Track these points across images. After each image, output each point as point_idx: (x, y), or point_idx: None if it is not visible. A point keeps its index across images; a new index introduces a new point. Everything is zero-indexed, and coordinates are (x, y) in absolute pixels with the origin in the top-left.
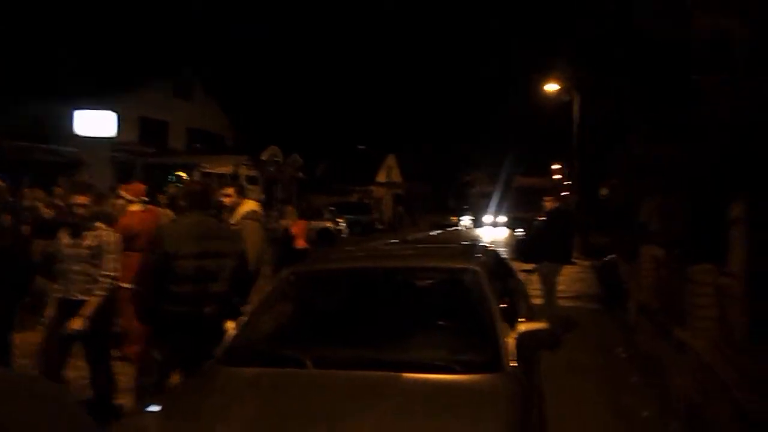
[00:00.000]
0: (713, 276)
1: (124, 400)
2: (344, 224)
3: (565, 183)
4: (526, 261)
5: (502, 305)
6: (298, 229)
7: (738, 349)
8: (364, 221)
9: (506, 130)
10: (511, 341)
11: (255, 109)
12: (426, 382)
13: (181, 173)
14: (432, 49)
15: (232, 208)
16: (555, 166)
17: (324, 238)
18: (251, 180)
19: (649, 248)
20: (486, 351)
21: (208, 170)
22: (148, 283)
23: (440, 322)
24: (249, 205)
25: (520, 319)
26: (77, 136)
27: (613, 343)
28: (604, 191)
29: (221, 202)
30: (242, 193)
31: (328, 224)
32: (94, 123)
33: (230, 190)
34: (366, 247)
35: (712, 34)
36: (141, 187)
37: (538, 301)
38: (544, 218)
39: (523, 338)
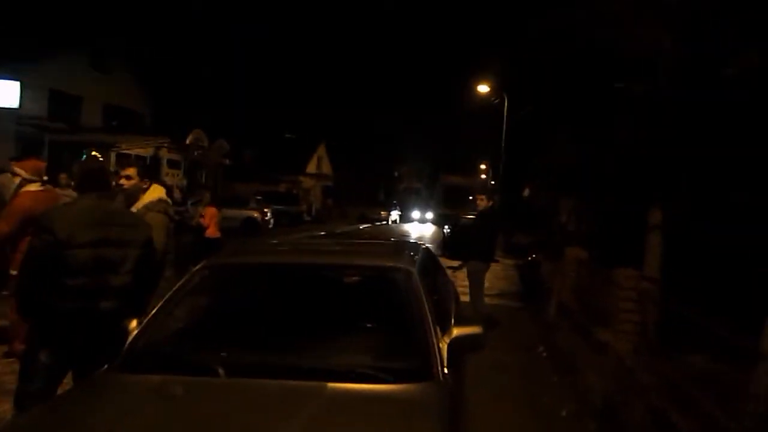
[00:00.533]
0: (636, 281)
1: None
2: (270, 214)
3: (491, 183)
4: (453, 258)
5: (434, 307)
6: (208, 217)
7: (655, 352)
8: (291, 212)
9: (437, 128)
10: (443, 346)
11: (179, 90)
12: (350, 392)
13: (95, 153)
14: (369, 39)
15: (132, 194)
16: (482, 166)
17: (249, 228)
18: (173, 164)
19: (572, 249)
20: (417, 358)
21: (125, 151)
22: (33, 273)
23: (369, 326)
24: (155, 192)
25: (453, 322)
26: None
27: (534, 342)
28: (526, 192)
29: (120, 185)
30: (147, 176)
31: (254, 214)
32: None
33: (131, 171)
34: (290, 240)
35: (640, 44)
36: (40, 164)
37: (464, 298)
38: (473, 216)
39: (456, 343)
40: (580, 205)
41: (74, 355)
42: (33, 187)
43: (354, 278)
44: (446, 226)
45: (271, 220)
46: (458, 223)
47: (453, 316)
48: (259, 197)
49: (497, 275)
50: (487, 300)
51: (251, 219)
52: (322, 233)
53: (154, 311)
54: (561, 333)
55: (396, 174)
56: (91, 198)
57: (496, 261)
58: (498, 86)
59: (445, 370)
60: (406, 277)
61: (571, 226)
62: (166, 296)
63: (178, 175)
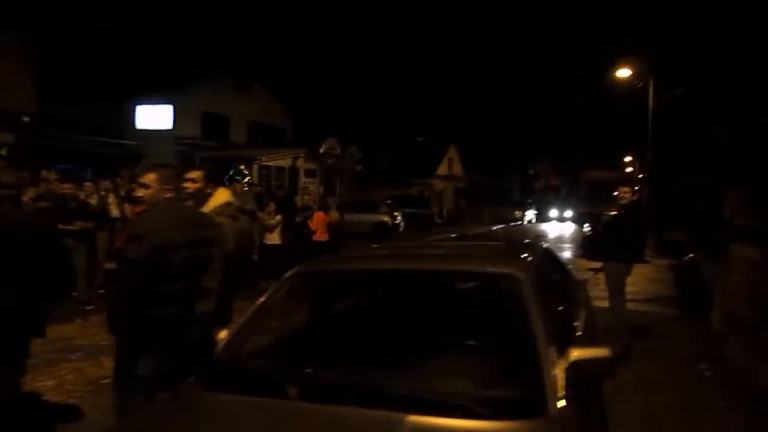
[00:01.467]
0: None
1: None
2: (401, 218)
3: (639, 176)
4: (593, 259)
5: (553, 321)
6: (317, 222)
7: None
8: (422, 215)
9: (575, 121)
10: (559, 372)
11: (314, 102)
12: (432, 430)
13: (241, 166)
14: (497, 36)
15: (196, 198)
16: (626, 159)
17: (379, 232)
18: (310, 173)
19: (739, 248)
20: (523, 387)
21: (266, 163)
22: (132, 285)
23: (469, 344)
24: (221, 196)
25: (577, 340)
26: (142, 130)
27: (694, 357)
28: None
29: (184, 188)
30: (212, 179)
31: (384, 218)
32: (153, 117)
33: (196, 174)
34: (393, 245)
35: None
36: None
37: (603, 304)
38: (614, 212)
39: (577, 368)
40: (751, 196)
41: (173, 363)
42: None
43: (454, 287)
44: (586, 225)
45: (402, 224)
46: (599, 220)
47: (583, 333)
48: (389, 201)
49: (648, 277)
50: (636, 306)
51: (381, 223)
52: (453, 235)
53: (241, 322)
54: (728, 348)
55: (532, 172)
56: (172, 201)
57: (645, 261)
58: (642, 68)
59: (562, 403)
60: (514, 286)
61: (739, 220)
62: (255, 306)
63: (314, 183)
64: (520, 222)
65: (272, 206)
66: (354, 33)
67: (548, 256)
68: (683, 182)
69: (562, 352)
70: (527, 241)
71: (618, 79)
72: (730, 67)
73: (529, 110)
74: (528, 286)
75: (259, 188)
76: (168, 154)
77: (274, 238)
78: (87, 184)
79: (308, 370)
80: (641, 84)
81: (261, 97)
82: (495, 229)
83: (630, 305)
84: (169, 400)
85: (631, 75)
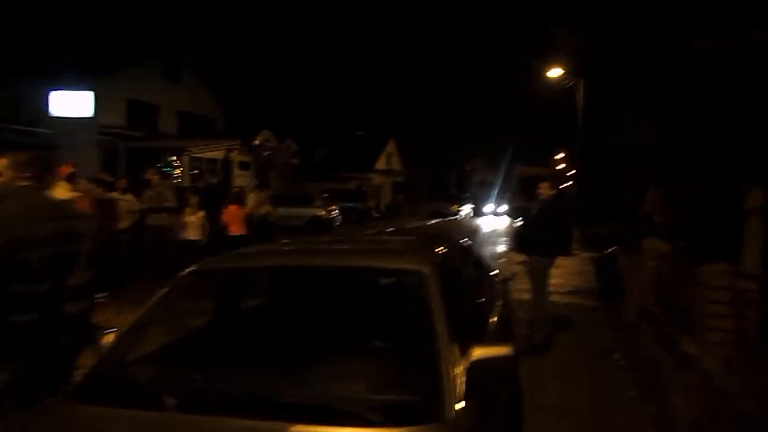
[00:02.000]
0: (728, 279)
1: None
2: (337, 212)
3: (569, 172)
4: (521, 253)
5: (459, 319)
6: (229, 216)
7: (755, 367)
8: (359, 209)
9: (509, 118)
10: (460, 373)
11: (248, 93)
12: None
13: (172, 157)
14: (433, 33)
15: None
16: (558, 156)
17: (314, 226)
18: (244, 166)
19: (652, 241)
20: (421, 390)
21: (197, 154)
22: None
23: (372, 344)
24: (59, 193)
25: (486, 337)
26: (59, 118)
27: (609, 348)
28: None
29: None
30: (47, 170)
31: (319, 212)
32: (72, 104)
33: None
34: (304, 240)
35: None
36: (65, 168)
37: (526, 296)
38: (540, 207)
39: (478, 367)
40: (668, 193)
41: (38, 374)
42: (61, 189)
43: (359, 284)
44: (518, 219)
45: (338, 218)
46: (528, 215)
47: (496, 329)
48: (325, 195)
49: (571, 270)
50: (559, 298)
51: (316, 217)
52: (390, 229)
53: (128, 326)
54: (641, 339)
55: (468, 167)
56: (29, 189)
57: (571, 254)
58: (571, 69)
59: (461, 405)
60: (419, 282)
61: (658, 216)
62: (145, 307)
63: (248, 177)
64: (456, 216)
65: (194, 200)
66: (291, 24)
67: (462, 251)
68: (609, 178)
69: (466, 351)
70: (441, 235)
71: (550, 78)
72: (655, 68)
73: (466, 107)
74: (433, 282)
75: (178, 181)
76: (88, 144)
77: (192, 234)
78: None
79: (192, 378)
80: (571, 83)
81: (192, 87)
82: (431, 224)
83: (553, 297)
84: (31, 416)
85: (562, 74)
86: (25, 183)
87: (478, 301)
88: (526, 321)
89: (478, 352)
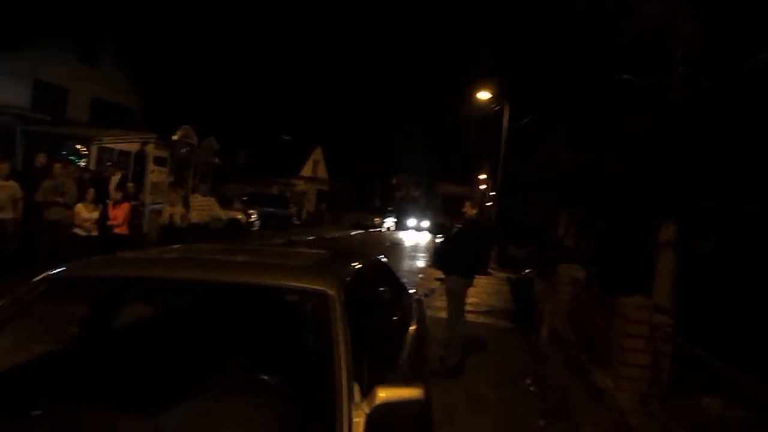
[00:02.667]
0: (647, 313)
1: None
2: (256, 216)
3: (490, 193)
4: (440, 270)
5: (364, 350)
6: (118, 213)
7: (667, 404)
8: (280, 215)
9: (437, 136)
10: (358, 420)
11: (171, 86)
12: None
13: (79, 146)
14: (367, 41)
15: None
16: (482, 176)
17: (232, 230)
18: (160, 161)
19: (568, 267)
20: None
21: (107, 145)
22: None
23: (259, 378)
24: None
25: (395, 370)
26: None
27: (521, 372)
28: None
29: None
30: None
31: (238, 215)
32: None
33: None
34: (193, 247)
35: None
36: None
37: (443, 314)
38: (458, 227)
39: (381, 413)
40: (580, 219)
41: None
42: None
43: (251, 304)
44: (439, 235)
45: (257, 222)
46: (449, 233)
47: (408, 358)
48: (245, 198)
49: (488, 290)
50: (474, 317)
51: (234, 220)
52: (310, 238)
53: None
54: (553, 365)
55: (394, 181)
56: None
57: (488, 274)
58: (499, 93)
59: None
60: (321, 306)
61: (569, 241)
62: None
63: (164, 173)
64: (379, 229)
65: (91, 193)
66: (223, 21)
67: (377, 269)
68: (526, 202)
69: (369, 389)
70: (355, 251)
71: (479, 100)
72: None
73: (396, 120)
74: (337, 306)
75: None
76: None
77: (84, 230)
78: None
79: (13, 410)
80: (497, 107)
81: (110, 73)
82: (353, 234)
83: (469, 317)
84: None
85: (490, 98)
86: None
87: (391, 325)
88: (441, 341)
89: (384, 394)
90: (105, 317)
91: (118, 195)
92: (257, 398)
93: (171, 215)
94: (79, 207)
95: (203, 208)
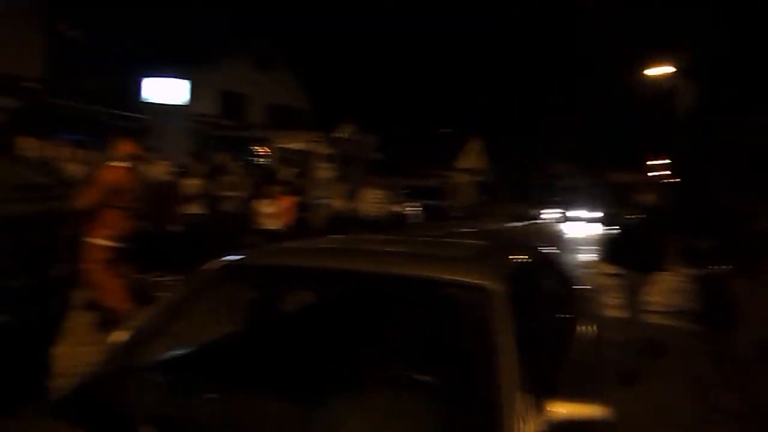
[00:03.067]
0: None
1: None
2: (416, 209)
3: (664, 180)
4: (612, 263)
5: (535, 354)
6: (283, 206)
7: None
8: (439, 207)
9: (602, 119)
10: None
11: (336, 86)
12: None
13: (257, 147)
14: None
15: None
16: (657, 162)
17: (392, 222)
18: (326, 157)
19: None
20: None
21: (281, 145)
22: None
23: (413, 378)
24: None
25: (569, 380)
26: (154, 104)
27: (711, 384)
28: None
29: None
30: None
31: (398, 207)
32: (168, 91)
33: None
34: (352, 238)
35: None
36: (130, 146)
37: (618, 313)
38: (635, 216)
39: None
40: None
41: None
42: (118, 164)
43: (407, 297)
44: (610, 227)
45: (418, 215)
46: (621, 223)
47: (582, 365)
48: (404, 191)
49: (670, 288)
50: (654, 318)
51: (395, 213)
52: (470, 230)
53: (135, 326)
54: (759, 379)
55: (556, 170)
56: None
57: (666, 270)
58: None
59: None
60: (482, 301)
61: None
62: (157, 304)
63: (330, 169)
64: (542, 220)
65: (266, 189)
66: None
67: (543, 261)
68: (712, 188)
69: (542, 401)
70: (518, 241)
71: (647, 78)
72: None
73: (556, 107)
74: (501, 302)
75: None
76: (181, 130)
77: (270, 223)
78: (67, 150)
79: (181, 401)
80: (671, 86)
81: (282, 78)
82: (515, 226)
83: (648, 317)
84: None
85: (664, 74)
86: None
87: (561, 325)
88: (616, 343)
89: (564, 410)
90: (268, 306)
91: (285, 189)
92: (410, 397)
93: (335, 208)
94: (258, 202)
95: (376, 201)
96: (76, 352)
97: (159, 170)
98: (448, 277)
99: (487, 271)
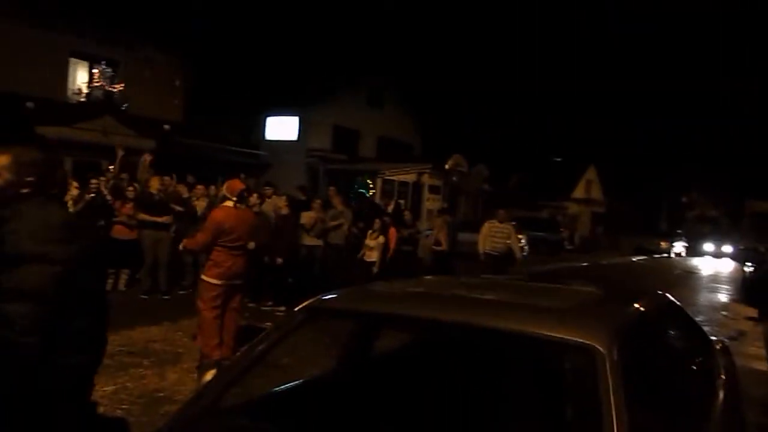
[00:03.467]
0: None
1: None
2: (525, 241)
3: None
4: (754, 305)
5: (658, 418)
6: (388, 238)
7: None
8: (550, 240)
9: (736, 144)
10: None
11: (444, 117)
12: None
13: (367, 180)
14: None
15: None
16: None
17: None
18: (434, 189)
19: None
20: None
21: (389, 177)
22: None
23: None
24: None
25: None
26: (271, 141)
27: None
28: None
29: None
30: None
31: (508, 240)
32: (282, 129)
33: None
34: (445, 280)
35: None
36: (238, 185)
37: (762, 366)
38: None
39: None
40: None
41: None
42: (228, 203)
43: (501, 353)
44: (749, 264)
45: (526, 248)
46: (765, 259)
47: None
48: (514, 223)
49: None
50: None
51: (505, 247)
52: (584, 264)
53: (226, 365)
54: None
55: (684, 200)
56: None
57: None
58: None
59: None
60: (588, 364)
61: None
62: (250, 345)
63: (437, 201)
64: (666, 254)
65: (377, 224)
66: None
67: (665, 311)
68: None
69: None
70: (636, 290)
71: None
72: None
73: (680, 133)
74: (610, 367)
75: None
76: (295, 165)
77: (372, 255)
78: (199, 187)
79: None
80: None
81: (393, 113)
82: (635, 261)
83: None
84: None
85: None
86: (27, 190)
87: (691, 387)
88: (759, 400)
89: None
90: (353, 351)
91: (390, 222)
92: None
93: (437, 240)
94: (365, 234)
95: (499, 235)
96: (187, 379)
97: (276, 204)
98: (546, 333)
99: (594, 327)
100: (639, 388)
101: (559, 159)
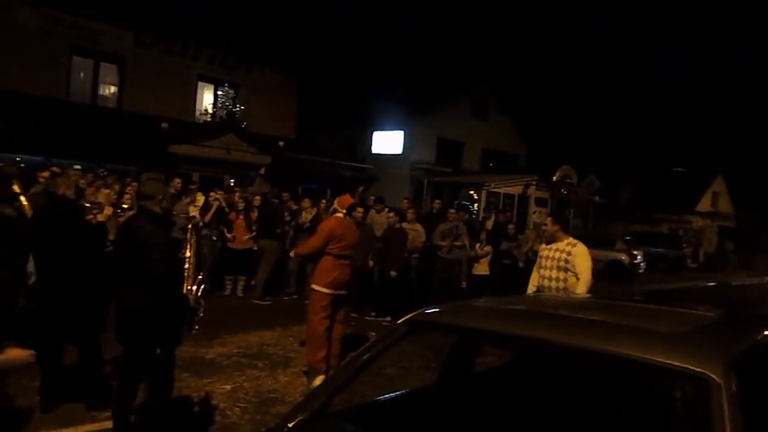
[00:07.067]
0: None
1: None
2: (641, 257)
3: None
4: None
5: None
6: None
7: None
8: (670, 256)
9: None
10: None
11: (552, 128)
12: None
13: (471, 192)
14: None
15: None
16: None
17: (612, 271)
18: (540, 202)
19: None
20: None
21: (494, 189)
22: None
23: None
24: None
25: None
26: (377, 155)
27: None
28: None
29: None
30: None
31: (621, 256)
32: (388, 142)
33: None
34: (548, 299)
35: None
36: (348, 199)
37: None
38: None
39: None
40: None
41: None
42: (338, 214)
43: (606, 376)
44: None
45: (642, 264)
46: None
47: None
48: (628, 237)
49: None
50: None
51: (616, 261)
52: (710, 284)
53: (330, 375)
54: None
55: None
56: None
57: None
58: None
59: None
60: (700, 394)
61: None
62: (353, 356)
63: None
64: None
65: (483, 235)
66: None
67: None
68: None
69: None
70: (763, 315)
71: None
72: None
73: None
74: (728, 398)
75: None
76: (400, 178)
77: (481, 269)
78: (305, 200)
79: None
80: None
81: (497, 124)
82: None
83: None
84: None
85: None
86: None
87: None
88: None
89: None
90: (456, 363)
91: (494, 235)
92: None
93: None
94: (473, 247)
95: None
96: (297, 382)
97: (385, 217)
98: (656, 359)
99: (706, 354)
100: (757, 423)
101: (680, 168)
